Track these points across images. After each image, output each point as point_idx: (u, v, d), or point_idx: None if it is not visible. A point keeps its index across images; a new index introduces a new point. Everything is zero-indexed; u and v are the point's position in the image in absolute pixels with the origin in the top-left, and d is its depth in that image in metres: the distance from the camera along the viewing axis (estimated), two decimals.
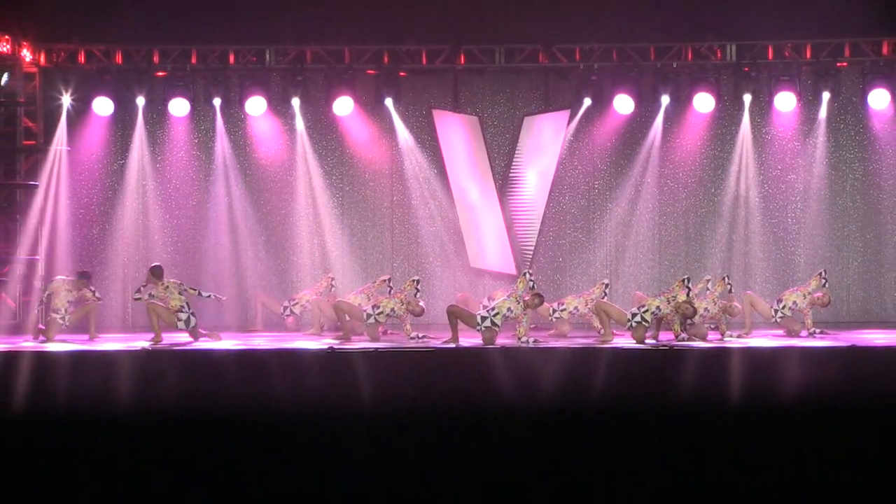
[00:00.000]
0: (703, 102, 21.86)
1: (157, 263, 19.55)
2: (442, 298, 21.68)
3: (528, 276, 18.73)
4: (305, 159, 22.49)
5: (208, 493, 11.60)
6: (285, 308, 20.97)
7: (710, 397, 16.21)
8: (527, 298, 18.46)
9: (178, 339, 19.07)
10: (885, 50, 21.72)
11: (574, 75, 22.16)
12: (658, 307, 18.54)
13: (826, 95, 21.86)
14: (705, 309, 19.04)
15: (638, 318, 18.54)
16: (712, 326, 19.36)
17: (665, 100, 21.95)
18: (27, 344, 18.98)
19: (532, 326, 19.07)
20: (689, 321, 18.76)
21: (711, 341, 18.75)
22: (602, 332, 18.92)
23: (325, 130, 22.59)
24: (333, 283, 21.08)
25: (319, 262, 22.31)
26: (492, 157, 22.62)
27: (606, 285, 20.00)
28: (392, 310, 19.20)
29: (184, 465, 12.78)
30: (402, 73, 22.18)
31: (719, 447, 13.39)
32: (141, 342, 18.77)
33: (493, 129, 22.75)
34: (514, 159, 22.63)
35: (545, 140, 22.56)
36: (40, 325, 20.02)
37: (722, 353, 17.48)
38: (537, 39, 21.94)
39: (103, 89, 21.71)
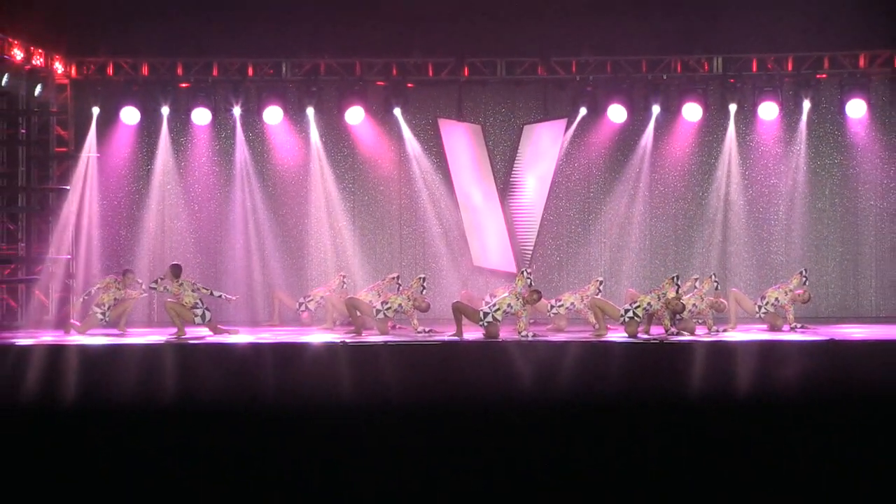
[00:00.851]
0: (692, 112, 21.88)
1: (177, 263, 19.64)
2: (447, 295, 21.68)
3: (525, 273, 18.82)
4: (319, 165, 22.50)
5: (225, 481, 11.56)
6: (300, 304, 21.01)
7: (697, 388, 16.28)
8: (525, 295, 18.55)
9: (199, 332, 19.16)
10: (861, 63, 21.74)
11: (571, 86, 22.18)
12: (649, 303, 18.62)
13: (806, 105, 21.87)
14: (693, 305, 19.09)
15: (630, 314, 18.61)
16: (700, 321, 19.43)
17: (656, 109, 21.97)
18: (46, 338, 19.03)
19: (531, 321, 19.11)
20: (678, 317, 18.84)
21: (699, 335, 18.80)
22: (597, 326, 19.01)
23: (337, 138, 22.60)
24: (345, 280, 21.13)
25: (332, 261, 22.32)
26: (493, 162, 22.65)
27: (600, 282, 20.05)
28: (400, 305, 19.30)
29: (199, 452, 12.75)
30: (409, 85, 22.20)
31: (707, 436, 13.40)
32: (165, 336, 18.87)
33: (495, 137, 22.78)
34: (515, 165, 22.66)
35: (544, 147, 22.59)
36: (72, 321, 20.11)
37: (709, 347, 17.54)
38: (536, 53, 21.95)
39: (130, 99, 21.73)
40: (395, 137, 22.58)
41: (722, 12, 21.14)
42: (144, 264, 22.26)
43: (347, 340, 18.30)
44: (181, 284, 19.03)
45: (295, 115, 22.24)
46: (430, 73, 22.13)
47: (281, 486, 11.37)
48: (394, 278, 20.30)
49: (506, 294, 18.79)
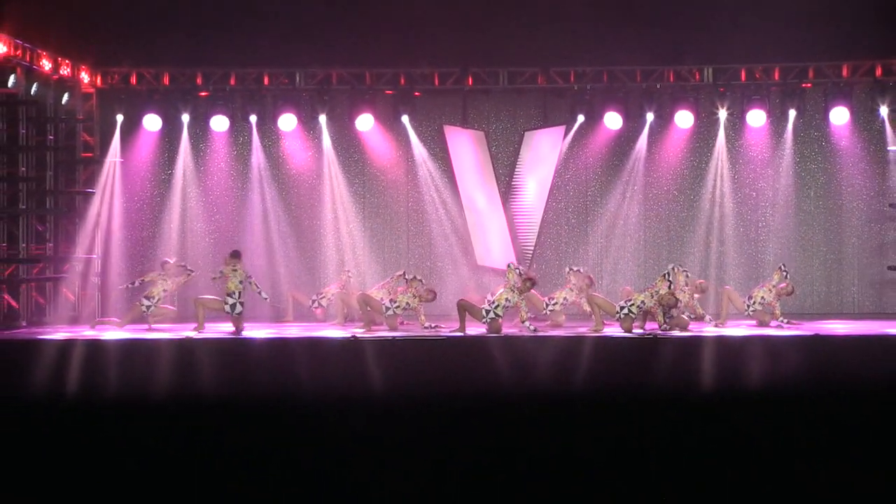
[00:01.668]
0: (684, 119, 21.89)
1: (237, 249, 19.52)
2: (452, 293, 21.65)
3: (512, 266, 18.86)
4: (331, 169, 22.52)
5: (237, 475, 11.55)
6: (313, 301, 21.05)
7: (687, 382, 16.30)
8: (520, 285, 18.60)
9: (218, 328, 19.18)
10: (844, 73, 21.77)
11: (569, 95, 22.18)
12: (643, 301, 18.65)
13: (792, 113, 21.86)
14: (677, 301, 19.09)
15: (626, 311, 18.65)
16: (691, 316, 19.45)
17: (650, 117, 21.97)
18: (72, 334, 19.09)
19: (531, 316, 19.15)
20: (671, 311, 18.86)
21: (692, 330, 18.82)
22: (594, 321, 19.02)
23: (348, 144, 22.63)
24: (350, 276, 21.19)
25: (343, 261, 22.35)
26: (496, 167, 22.68)
27: (589, 278, 20.09)
28: (407, 303, 19.36)
29: (210, 447, 12.73)
30: (416, 93, 22.22)
31: (697, 429, 13.42)
32: (186, 332, 18.91)
33: (498, 143, 22.81)
34: (516, 169, 22.69)
35: (543, 152, 22.62)
36: (109, 318, 20.15)
37: (699, 343, 17.55)
38: (536, 63, 21.97)
39: (152, 107, 21.77)
40: (403, 143, 22.61)
41: (712, 25, 21.12)
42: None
43: (358, 335, 18.31)
44: (235, 270, 18.85)
45: (308, 122, 22.26)
46: (437, 82, 22.15)
47: (292, 478, 11.37)
48: (400, 275, 20.31)
49: (502, 290, 18.78)
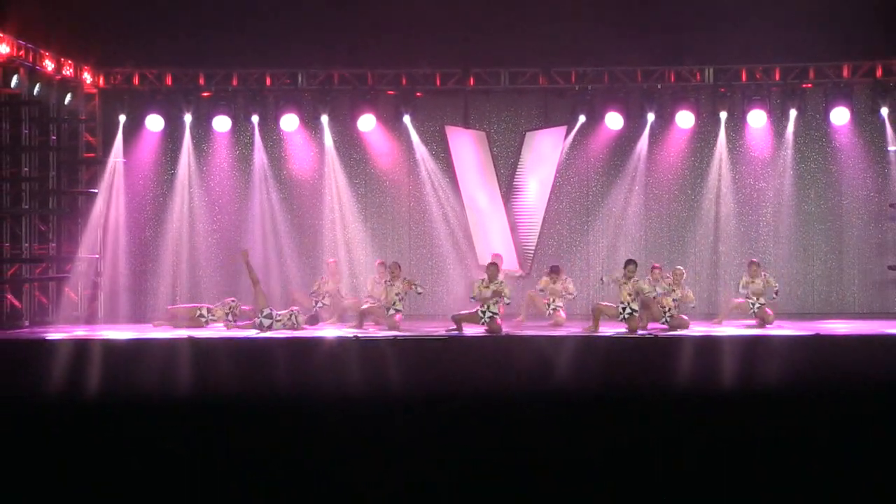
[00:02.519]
0: (685, 119, 21.91)
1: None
2: (454, 292, 21.77)
3: (478, 283, 18.91)
4: (333, 170, 22.52)
5: (238, 474, 11.52)
6: (316, 302, 21.06)
7: (687, 381, 16.31)
8: (487, 276, 18.62)
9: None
10: (845, 73, 21.78)
11: (570, 95, 22.20)
12: (628, 295, 18.69)
13: (793, 113, 21.87)
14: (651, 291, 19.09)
15: (628, 311, 18.66)
16: (674, 310, 19.31)
17: (650, 117, 21.99)
18: (77, 332, 19.09)
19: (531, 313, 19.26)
20: (668, 312, 18.90)
21: (692, 330, 18.83)
22: (590, 325, 18.99)
23: (350, 144, 22.63)
24: (337, 264, 21.23)
25: (345, 261, 22.36)
26: (497, 167, 22.68)
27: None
28: (397, 294, 19.37)
29: (213, 446, 12.71)
30: (418, 94, 22.25)
31: (696, 427, 13.42)
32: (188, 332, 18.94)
33: (499, 143, 22.81)
34: (518, 169, 22.70)
35: (545, 152, 22.62)
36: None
37: (701, 342, 17.57)
38: (538, 64, 21.98)
39: (155, 108, 21.78)
40: (405, 143, 22.62)
41: (713, 26, 21.13)
42: (167, 264, 22.33)
43: (359, 335, 18.31)
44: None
45: (310, 122, 22.27)
46: (438, 82, 22.17)
47: (293, 477, 11.36)
48: (382, 263, 20.36)
49: (487, 293, 18.72)
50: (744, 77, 21.91)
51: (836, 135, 22.23)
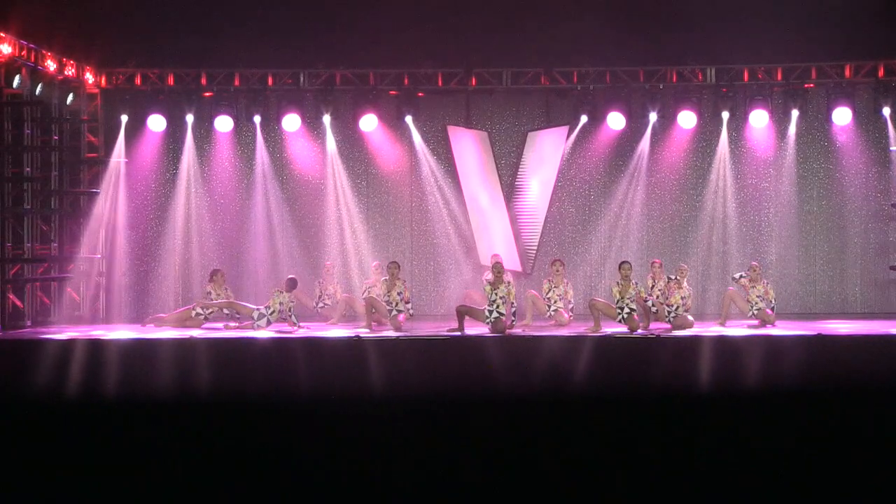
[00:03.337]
0: (687, 119, 21.88)
1: (292, 277, 19.82)
2: (456, 292, 21.75)
3: (486, 284, 18.89)
4: (335, 170, 22.50)
5: (242, 474, 11.52)
6: (317, 303, 21.05)
7: (689, 381, 16.29)
8: (492, 280, 18.60)
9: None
10: (847, 73, 21.76)
11: (572, 95, 22.17)
12: (630, 296, 18.67)
13: (795, 113, 21.84)
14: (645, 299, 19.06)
15: (627, 311, 18.63)
16: (672, 311, 19.28)
17: (653, 117, 21.95)
18: (77, 333, 19.09)
19: (535, 314, 19.22)
20: (673, 311, 18.91)
21: (696, 331, 18.80)
22: (593, 325, 18.96)
23: (352, 144, 22.61)
24: (333, 267, 21.23)
25: (347, 261, 22.35)
26: (499, 167, 22.66)
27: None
28: (399, 293, 19.32)
29: (215, 445, 12.70)
30: (420, 94, 22.22)
31: (700, 429, 13.42)
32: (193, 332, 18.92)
33: (501, 143, 22.79)
34: (519, 170, 22.68)
35: (547, 152, 22.60)
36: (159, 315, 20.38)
37: (702, 342, 17.53)
38: (540, 64, 21.97)
39: (157, 108, 21.76)
40: (407, 144, 22.61)
41: (715, 26, 21.11)
42: (169, 264, 22.34)
43: (362, 336, 18.29)
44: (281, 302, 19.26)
45: (312, 122, 22.26)
46: (440, 82, 22.16)
47: (294, 477, 11.35)
48: (378, 265, 20.37)
49: (498, 295, 18.67)
50: (746, 77, 21.88)
51: (838, 135, 22.20)
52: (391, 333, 18.64)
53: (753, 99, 21.72)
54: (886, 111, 21.60)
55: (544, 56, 21.87)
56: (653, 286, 19.99)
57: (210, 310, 20.02)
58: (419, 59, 21.84)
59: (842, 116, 21.65)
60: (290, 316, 19.16)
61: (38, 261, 20.83)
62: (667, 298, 19.28)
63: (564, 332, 18.93)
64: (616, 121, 21.88)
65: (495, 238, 22.54)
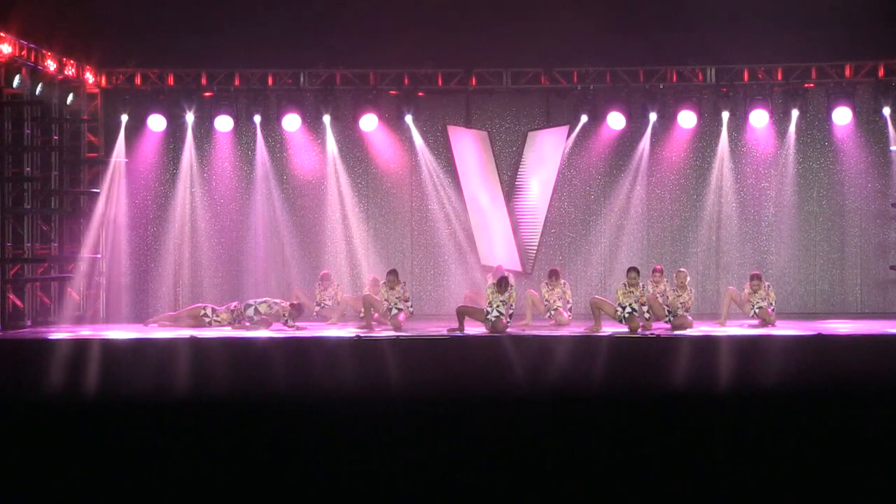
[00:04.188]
0: (687, 119, 21.89)
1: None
2: (456, 292, 21.75)
3: (489, 285, 18.90)
4: (335, 170, 22.50)
5: (241, 474, 11.53)
6: (318, 304, 21.05)
7: (689, 381, 16.30)
8: (496, 284, 18.66)
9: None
10: (847, 73, 21.76)
11: (572, 95, 22.18)
12: (636, 300, 18.67)
13: (795, 113, 21.85)
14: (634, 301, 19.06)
15: (628, 311, 18.62)
16: (669, 311, 19.28)
17: (653, 117, 21.96)
18: (83, 332, 19.09)
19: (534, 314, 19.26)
20: (672, 312, 18.93)
21: (696, 330, 18.82)
22: (593, 324, 18.96)
23: (352, 144, 22.61)
24: (330, 276, 21.22)
25: (347, 260, 22.36)
26: (500, 167, 22.66)
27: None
28: (398, 297, 19.32)
29: (216, 445, 12.70)
30: (420, 94, 22.23)
31: (698, 427, 13.43)
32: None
33: (501, 143, 22.79)
34: (520, 169, 22.68)
35: (547, 152, 22.60)
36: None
37: (703, 342, 17.54)
38: (540, 63, 21.98)
39: (157, 108, 21.77)
40: (407, 143, 22.61)
41: (715, 25, 21.11)
42: (170, 263, 22.34)
43: (362, 335, 18.30)
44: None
45: (312, 122, 22.26)
46: (440, 82, 22.17)
47: (294, 476, 11.35)
48: (375, 279, 20.36)
49: (499, 299, 18.66)
50: (746, 77, 21.89)
51: (838, 134, 22.21)
52: (391, 333, 18.64)
53: (753, 99, 21.73)
54: (886, 111, 21.62)
55: (544, 56, 21.88)
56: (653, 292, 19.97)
57: (220, 315, 19.97)
58: (419, 58, 21.85)
59: (842, 116, 21.66)
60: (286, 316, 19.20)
61: (38, 261, 20.82)
62: (667, 300, 19.28)
63: (564, 332, 18.93)
64: (616, 121, 21.90)
65: (495, 238, 22.55)
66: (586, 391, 15.89)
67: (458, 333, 18.43)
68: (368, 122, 21.98)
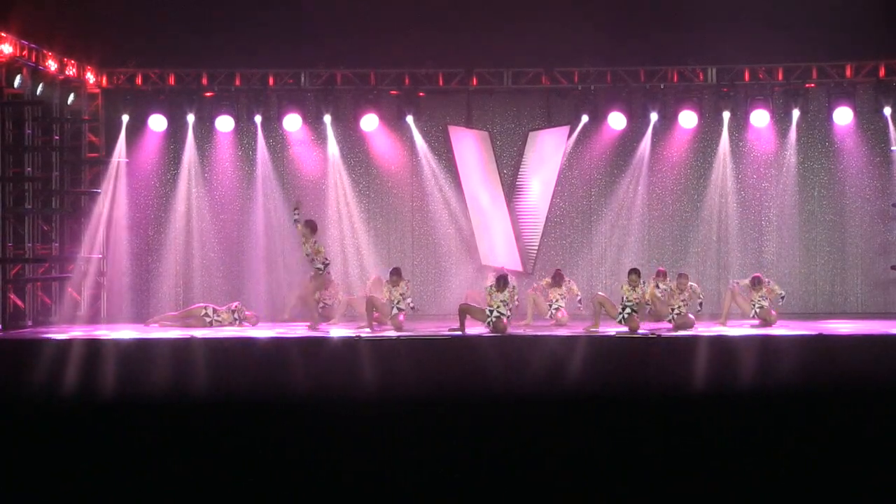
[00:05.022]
0: (688, 119, 21.90)
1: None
2: (457, 292, 21.75)
3: (489, 285, 18.90)
4: (336, 169, 22.51)
5: (241, 472, 11.54)
6: (318, 301, 21.01)
7: (691, 381, 16.30)
8: (493, 285, 18.69)
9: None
10: (848, 73, 21.76)
11: (573, 95, 22.19)
12: (637, 298, 18.67)
13: (796, 113, 21.85)
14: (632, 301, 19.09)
15: (628, 311, 18.62)
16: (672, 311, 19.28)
17: (653, 117, 21.97)
18: (80, 333, 19.11)
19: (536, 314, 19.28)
20: (674, 312, 18.95)
21: (696, 330, 18.82)
22: (593, 322, 18.97)
23: (353, 144, 22.62)
24: (329, 275, 21.20)
25: (348, 260, 22.36)
26: (500, 167, 22.67)
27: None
28: (402, 295, 19.30)
29: (221, 445, 12.73)
30: (421, 94, 22.24)
31: (700, 428, 13.43)
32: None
33: (502, 143, 22.80)
34: (520, 169, 22.68)
35: (547, 152, 22.60)
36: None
37: (703, 342, 17.54)
38: (540, 64, 21.99)
39: (158, 108, 21.80)
40: (408, 143, 22.62)
41: (715, 25, 21.11)
42: (170, 263, 22.36)
43: (362, 335, 18.30)
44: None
45: (313, 122, 22.27)
46: (441, 82, 22.18)
47: (294, 477, 11.36)
48: (378, 278, 20.36)
49: (499, 299, 18.68)
50: (747, 77, 21.89)
51: (838, 135, 22.21)
52: (391, 333, 18.65)
53: (754, 99, 21.74)
54: (887, 111, 21.63)
55: (545, 56, 21.89)
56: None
57: (220, 315, 20.01)
58: (420, 58, 21.86)
59: (843, 116, 21.67)
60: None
61: (38, 261, 20.83)
62: (669, 299, 19.28)
63: (565, 331, 18.94)
64: (617, 121, 21.91)
65: (496, 238, 22.55)
66: (586, 391, 15.89)
67: (458, 333, 18.42)
68: (369, 122, 22.00)
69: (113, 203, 21.86)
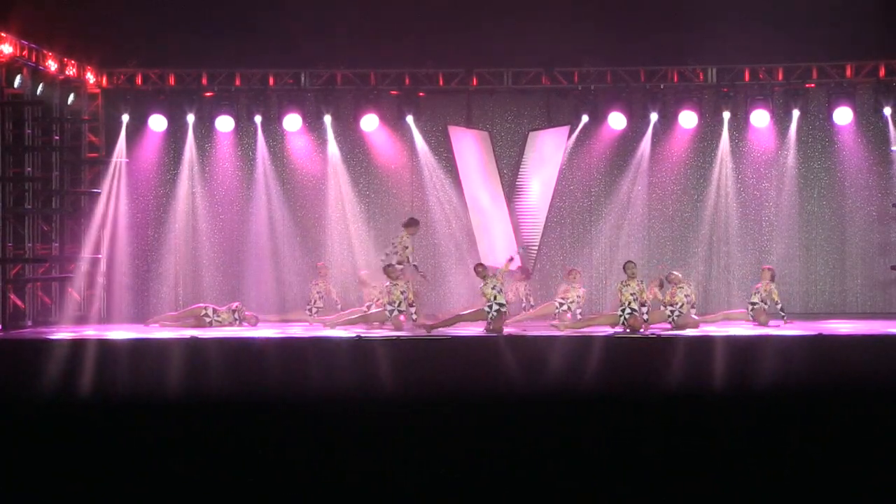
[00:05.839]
0: (688, 119, 21.90)
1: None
2: (456, 292, 21.79)
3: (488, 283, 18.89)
4: (336, 169, 22.51)
5: (239, 473, 11.56)
6: (311, 307, 21.00)
7: (694, 382, 16.32)
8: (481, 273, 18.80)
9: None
10: (848, 73, 21.76)
11: (573, 95, 22.19)
12: (633, 297, 18.67)
13: (796, 113, 21.85)
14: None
15: (629, 311, 18.62)
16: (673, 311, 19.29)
17: (654, 117, 21.97)
18: (88, 332, 19.11)
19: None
20: (673, 312, 18.95)
21: (699, 330, 18.85)
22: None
23: (353, 144, 22.62)
24: (327, 269, 21.21)
25: (348, 260, 22.37)
26: (500, 167, 22.67)
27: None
28: (402, 293, 19.27)
29: (215, 445, 12.73)
30: (421, 94, 22.24)
31: (703, 428, 13.45)
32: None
33: (502, 143, 22.80)
34: (521, 169, 22.69)
35: (547, 152, 22.61)
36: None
37: (705, 342, 17.56)
38: (540, 64, 21.99)
39: (158, 108, 21.81)
40: (408, 144, 22.62)
41: (716, 25, 21.08)
42: (170, 263, 22.37)
43: (363, 335, 18.32)
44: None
45: (313, 122, 22.27)
46: (441, 82, 22.17)
47: (296, 476, 11.38)
48: (365, 273, 20.43)
49: (494, 290, 18.70)
50: (747, 77, 21.89)
51: (839, 135, 22.22)
52: (391, 333, 18.65)
53: (754, 99, 21.75)
54: (887, 111, 21.64)
55: (545, 56, 21.88)
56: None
57: (220, 315, 20.05)
58: (420, 58, 21.86)
59: (843, 116, 21.68)
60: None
61: (39, 261, 20.83)
62: (670, 299, 19.28)
63: (564, 331, 18.92)
64: (617, 121, 21.91)
65: (496, 238, 22.55)
66: (586, 391, 15.90)
67: (425, 333, 18.48)
68: (369, 122, 22.00)
69: (113, 203, 21.84)
